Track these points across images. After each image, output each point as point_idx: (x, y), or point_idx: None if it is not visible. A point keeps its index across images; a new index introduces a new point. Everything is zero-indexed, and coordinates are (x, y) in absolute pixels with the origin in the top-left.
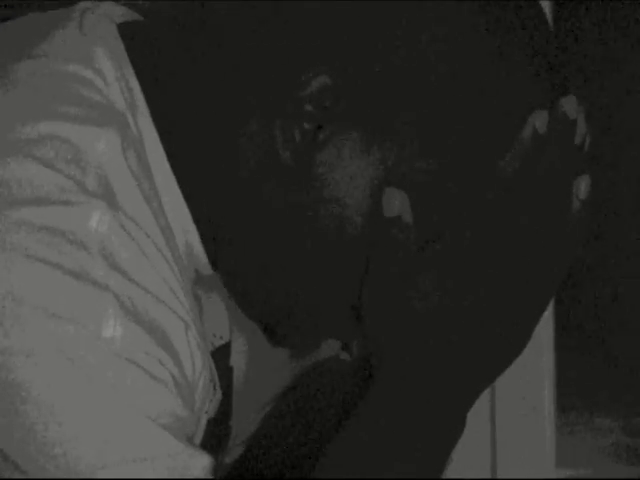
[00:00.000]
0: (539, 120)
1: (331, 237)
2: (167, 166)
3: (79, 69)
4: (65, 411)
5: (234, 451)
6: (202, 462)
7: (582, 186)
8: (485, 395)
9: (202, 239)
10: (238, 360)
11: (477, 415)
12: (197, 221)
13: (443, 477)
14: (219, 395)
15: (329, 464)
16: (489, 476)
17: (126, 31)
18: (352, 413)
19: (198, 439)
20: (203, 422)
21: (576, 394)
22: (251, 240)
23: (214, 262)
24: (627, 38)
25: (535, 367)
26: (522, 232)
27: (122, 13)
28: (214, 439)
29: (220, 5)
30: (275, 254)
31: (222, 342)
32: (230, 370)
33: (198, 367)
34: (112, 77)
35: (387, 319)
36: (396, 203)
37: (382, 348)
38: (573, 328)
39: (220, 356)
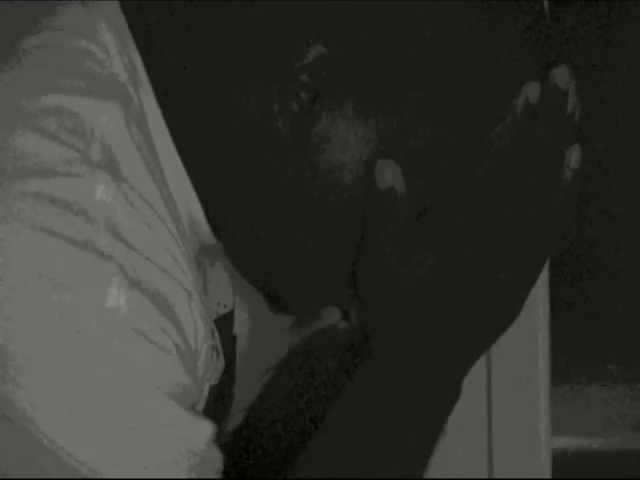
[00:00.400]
0: (531, 91)
1: (328, 205)
2: (168, 138)
3: (83, 42)
4: (68, 380)
5: (235, 418)
6: (205, 430)
7: (573, 156)
8: (481, 367)
9: (204, 209)
10: (241, 328)
11: (473, 385)
12: (198, 191)
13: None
14: (222, 363)
15: (323, 439)
16: (485, 446)
17: (128, 5)
18: (349, 384)
19: (201, 406)
20: (206, 390)
21: (571, 365)
22: (250, 208)
23: (216, 231)
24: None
25: (530, 339)
26: (514, 202)
27: None
28: (217, 405)
29: None
30: (273, 222)
31: (226, 310)
32: (234, 338)
33: (201, 336)
34: (115, 51)
35: (380, 291)
36: (389, 174)
37: (376, 319)
38: (568, 300)
39: (223, 324)
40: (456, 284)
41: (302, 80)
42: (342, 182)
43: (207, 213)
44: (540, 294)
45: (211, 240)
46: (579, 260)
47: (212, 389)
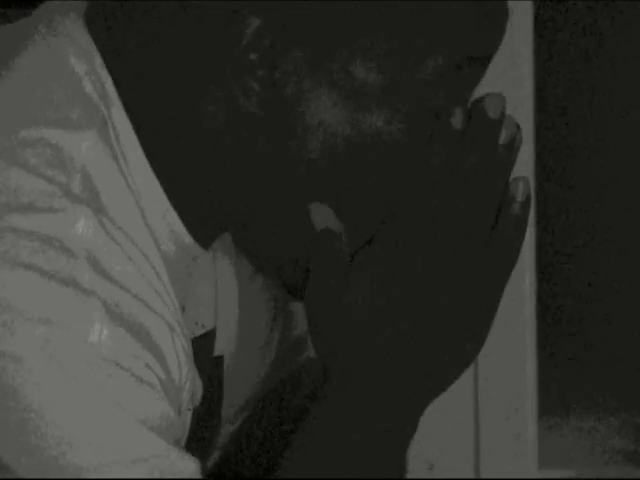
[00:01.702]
0: (455, 117)
1: (320, 160)
2: (142, 154)
3: (52, 69)
4: (54, 415)
5: (213, 454)
6: (189, 464)
7: (520, 187)
8: (469, 397)
9: (184, 222)
10: (226, 347)
11: (461, 416)
12: (176, 205)
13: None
14: (200, 384)
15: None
16: (473, 477)
17: (92, 22)
18: (303, 424)
19: (185, 431)
20: (188, 417)
21: (558, 396)
22: (252, 201)
23: (203, 242)
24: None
25: (518, 370)
26: (452, 231)
27: (87, 4)
28: (204, 428)
29: None
30: (269, 200)
31: (204, 330)
32: (217, 359)
33: (184, 370)
34: (82, 72)
35: (328, 326)
36: (323, 216)
37: (326, 355)
38: (556, 332)
39: (202, 344)
40: (401, 318)
41: (251, 59)
42: (332, 135)
43: (188, 225)
44: (528, 327)
45: (197, 251)
46: (567, 293)
47: (196, 411)
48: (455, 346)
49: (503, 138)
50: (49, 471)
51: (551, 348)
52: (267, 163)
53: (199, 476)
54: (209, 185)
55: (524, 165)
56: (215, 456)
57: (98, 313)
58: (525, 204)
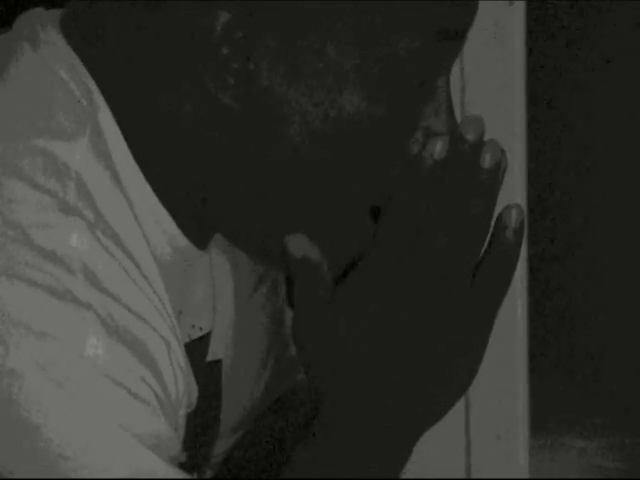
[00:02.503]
0: (436, 146)
1: (301, 145)
2: (130, 157)
3: (42, 81)
4: (50, 430)
5: (208, 471)
6: None
7: (513, 214)
8: (460, 418)
9: (179, 224)
10: (222, 350)
11: (452, 436)
12: (169, 207)
13: None
14: (195, 387)
15: None
16: None
17: (68, 30)
18: (296, 451)
19: (181, 434)
20: (182, 419)
21: (548, 417)
22: (232, 189)
23: (198, 243)
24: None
25: (508, 390)
26: (437, 261)
27: (61, 14)
28: (202, 432)
29: None
30: (257, 190)
31: (201, 333)
32: (216, 362)
33: (181, 385)
34: (70, 80)
35: (316, 355)
36: (299, 244)
37: (317, 385)
38: (546, 353)
39: (198, 347)
40: (389, 352)
41: (224, 53)
42: (311, 120)
43: (182, 227)
44: (518, 348)
45: (193, 253)
46: (557, 314)
47: (193, 415)
48: (445, 379)
49: (487, 162)
50: (40, 473)
51: (541, 369)
52: (250, 154)
53: None
54: (198, 183)
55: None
56: (211, 473)
57: (94, 327)
58: (518, 231)
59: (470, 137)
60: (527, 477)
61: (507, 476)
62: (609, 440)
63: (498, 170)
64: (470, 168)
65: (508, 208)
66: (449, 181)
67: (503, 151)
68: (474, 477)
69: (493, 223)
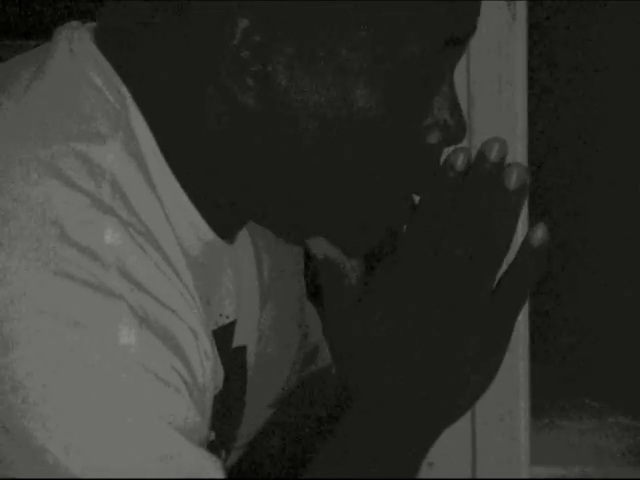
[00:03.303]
0: (457, 159)
1: (318, 140)
2: (161, 158)
3: (76, 87)
4: (82, 415)
5: (234, 454)
6: (212, 463)
7: (538, 234)
8: None
9: (206, 219)
10: (247, 337)
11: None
12: (197, 203)
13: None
14: (221, 370)
15: None
16: (470, 475)
17: (101, 40)
18: (333, 433)
19: (208, 416)
20: (209, 406)
21: (549, 399)
22: (255, 183)
23: (225, 236)
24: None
25: (511, 375)
26: (460, 272)
27: (94, 26)
28: (228, 414)
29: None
30: (279, 183)
31: (227, 321)
32: (242, 348)
33: (207, 373)
34: (102, 85)
35: (349, 351)
36: (320, 247)
37: (351, 375)
38: (547, 338)
39: (224, 334)
40: (414, 342)
41: (243, 57)
42: (325, 117)
43: (209, 221)
44: (520, 337)
45: (220, 245)
46: (558, 297)
47: (220, 397)
48: (464, 381)
49: (513, 183)
50: (75, 454)
51: (541, 356)
52: (270, 151)
53: (221, 476)
54: (223, 180)
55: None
56: (235, 458)
57: (126, 317)
58: (542, 253)
59: (493, 157)
60: (528, 456)
61: (510, 455)
62: (605, 421)
63: (522, 191)
64: (492, 186)
65: (533, 227)
66: (471, 196)
67: (527, 171)
68: (479, 456)
69: (520, 240)
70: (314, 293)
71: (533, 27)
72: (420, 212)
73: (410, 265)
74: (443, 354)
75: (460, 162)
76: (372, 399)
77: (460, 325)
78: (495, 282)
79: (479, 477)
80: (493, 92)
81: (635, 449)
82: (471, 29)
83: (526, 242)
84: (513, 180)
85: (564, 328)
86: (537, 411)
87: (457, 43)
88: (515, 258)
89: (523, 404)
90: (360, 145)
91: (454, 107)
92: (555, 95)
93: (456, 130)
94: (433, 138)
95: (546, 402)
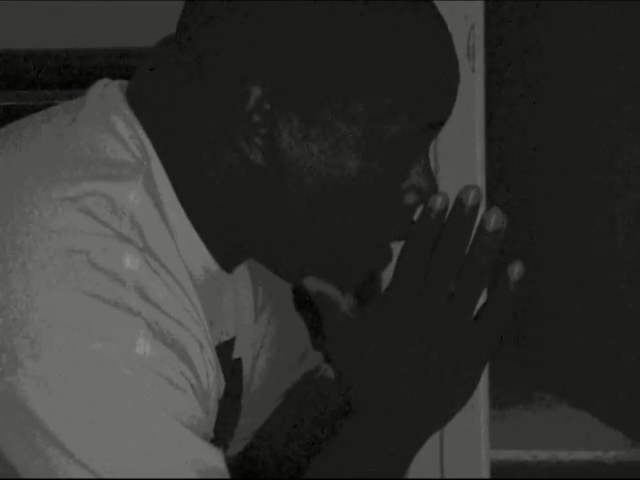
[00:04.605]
0: (436, 201)
1: (314, 196)
2: (176, 200)
3: (104, 136)
4: (103, 411)
5: (237, 445)
6: (216, 454)
7: (516, 269)
8: None
9: (212, 253)
10: (243, 350)
11: None
12: (205, 240)
13: None
14: (222, 380)
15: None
16: (438, 459)
17: (131, 97)
18: (336, 435)
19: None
20: (215, 409)
21: (506, 392)
22: (257, 228)
23: (227, 268)
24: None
25: None
26: (443, 306)
27: (127, 84)
28: (226, 417)
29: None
30: (278, 229)
31: (227, 338)
32: (237, 361)
33: (211, 379)
34: (127, 136)
35: (349, 364)
36: (314, 284)
37: (352, 384)
38: (506, 341)
39: (225, 350)
40: (406, 364)
41: (255, 120)
42: (320, 177)
43: (215, 256)
44: None
45: (222, 276)
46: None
47: (220, 402)
48: (450, 395)
49: (492, 225)
50: (96, 459)
51: (498, 354)
52: (272, 201)
53: (223, 463)
54: (230, 223)
55: None
56: (236, 450)
57: (143, 331)
58: (518, 284)
59: (470, 202)
60: (488, 444)
61: (472, 444)
62: (554, 411)
63: (499, 232)
64: (469, 228)
65: (512, 264)
66: (451, 237)
67: (505, 215)
68: (446, 444)
69: (496, 272)
70: (299, 304)
71: (490, 76)
72: (406, 251)
73: (399, 299)
74: (432, 373)
75: (439, 204)
76: (371, 410)
77: (446, 349)
78: (475, 310)
79: (446, 461)
80: (455, 136)
81: (580, 434)
82: (448, 115)
83: (504, 277)
84: (492, 223)
85: (521, 329)
86: (495, 403)
87: (436, 127)
88: (494, 291)
89: (483, 397)
90: (349, 202)
91: (428, 173)
92: (512, 136)
93: (430, 193)
94: (410, 199)
95: (503, 395)
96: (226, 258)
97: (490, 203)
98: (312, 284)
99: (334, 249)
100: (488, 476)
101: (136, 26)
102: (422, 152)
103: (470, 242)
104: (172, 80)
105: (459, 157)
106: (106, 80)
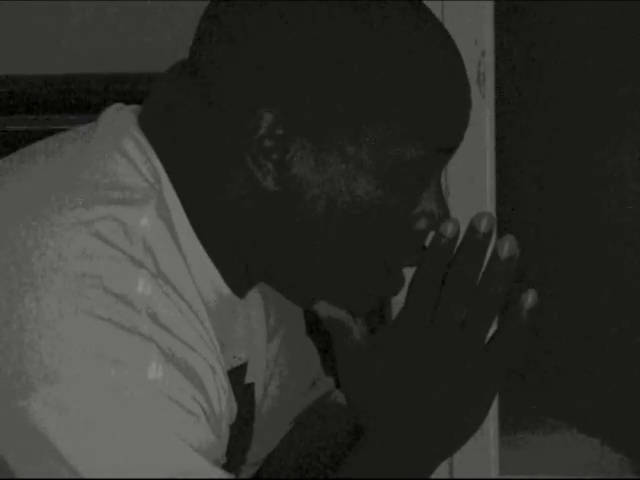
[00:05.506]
0: (447, 227)
1: (325, 221)
2: (187, 223)
3: (117, 160)
4: (116, 436)
5: (248, 470)
6: (229, 479)
7: (529, 299)
8: None
9: (224, 278)
10: (256, 375)
11: None
12: (217, 264)
13: None
14: (235, 405)
15: None
16: (447, 473)
17: (144, 123)
18: (348, 459)
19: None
20: (226, 434)
21: (516, 417)
22: (269, 253)
23: (239, 292)
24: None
25: None
26: (454, 333)
27: (140, 109)
28: (238, 441)
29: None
30: (290, 254)
31: (240, 362)
32: (249, 386)
33: (223, 403)
34: (140, 162)
35: (359, 389)
36: (325, 309)
37: (363, 409)
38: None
39: (237, 374)
40: (418, 392)
41: (267, 146)
42: (332, 201)
43: (227, 280)
44: None
45: (234, 300)
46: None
47: (233, 426)
48: (461, 421)
49: (505, 253)
50: (103, 467)
51: (510, 380)
52: (283, 225)
53: None
54: (241, 248)
55: None
56: (247, 475)
57: (155, 355)
58: (532, 312)
59: (483, 229)
60: (497, 467)
61: (482, 469)
62: (564, 437)
63: (512, 260)
64: (481, 255)
65: (525, 292)
66: (464, 264)
67: (517, 243)
68: (456, 470)
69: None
70: (311, 329)
71: (500, 102)
72: (418, 276)
73: (410, 326)
74: (443, 400)
75: (450, 231)
76: (382, 436)
77: (457, 377)
78: (487, 337)
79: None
80: (466, 161)
81: (588, 460)
82: (460, 141)
83: (518, 307)
84: (505, 250)
85: (531, 355)
86: (505, 428)
87: (448, 152)
88: (507, 319)
89: (492, 423)
90: (359, 226)
91: (440, 199)
92: (522, 162)
93: (441, 219)
94: (421, 224)
95: (513, 420)
96: (238, 282)
97: (500, 228)
98: (324, 309)
99: (346, 274)
100: None
101: (137, 52)
102: (434, 178)
103: (483, 270)
104: (184, 105)
105: (470, 182)
106: (118, 105)
